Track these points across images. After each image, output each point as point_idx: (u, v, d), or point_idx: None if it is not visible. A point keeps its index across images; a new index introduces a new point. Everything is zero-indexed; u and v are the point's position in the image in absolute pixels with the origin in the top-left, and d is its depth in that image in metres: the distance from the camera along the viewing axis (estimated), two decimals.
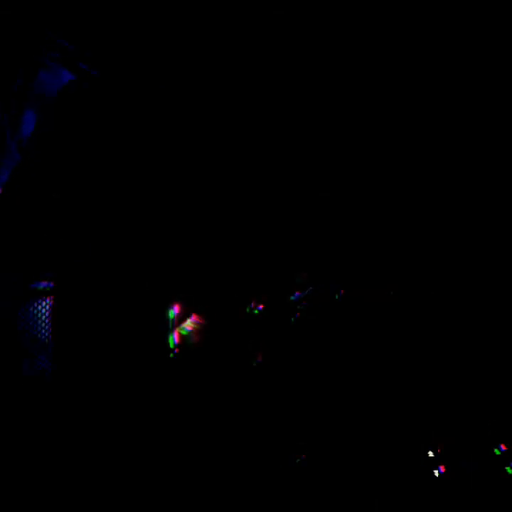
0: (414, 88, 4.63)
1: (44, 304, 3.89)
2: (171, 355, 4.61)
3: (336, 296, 4.83)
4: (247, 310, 4.93)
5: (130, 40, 4.36)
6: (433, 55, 4.42)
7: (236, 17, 4.23)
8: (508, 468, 3.58)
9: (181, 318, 4.70)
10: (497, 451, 3.72)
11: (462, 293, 4.75)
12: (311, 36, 4.33)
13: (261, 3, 4.14)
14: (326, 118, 4.82)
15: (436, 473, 3.67)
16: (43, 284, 3.86)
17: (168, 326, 4.70)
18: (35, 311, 3.83)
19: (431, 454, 3.80)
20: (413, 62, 4.46)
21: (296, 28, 4.26)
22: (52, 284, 3.93)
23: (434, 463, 3.75)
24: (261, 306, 4.85)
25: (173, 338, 4.66)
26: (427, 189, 4.92)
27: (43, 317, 3.86)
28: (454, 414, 4.11)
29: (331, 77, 4.58)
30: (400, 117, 4.82)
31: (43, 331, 3.87)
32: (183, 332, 4.73)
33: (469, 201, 4.84)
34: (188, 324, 4.74)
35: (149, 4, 4.29)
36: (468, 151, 4.77)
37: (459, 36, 4.29)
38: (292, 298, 4.98)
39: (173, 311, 4.64)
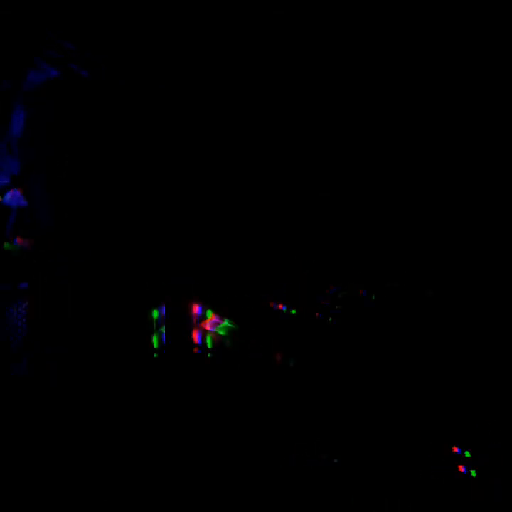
0: (413, 89, 4.61)
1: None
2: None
3: (364, 295, 4.73)
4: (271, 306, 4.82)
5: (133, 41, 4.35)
6: (433, 55, 4.40)
7: (236, 17, 4.23)
8: None
9: (200, 318, 4.59)
10: None
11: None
12: (311, 36, 4.32)
13: (261, 3, 4.14)
14: (330, 119, 4.79)
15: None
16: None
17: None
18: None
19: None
20: (412, 62, 4.45)
21: (296, 27, 4.25)
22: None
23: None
24: (282, 305, 4.74)
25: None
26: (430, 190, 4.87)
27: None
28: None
29: (331, 78, 4.58)
30: (401, 119, 4.80)
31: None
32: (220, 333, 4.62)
33: (472, 199, 4.78)
34: (222, 326, 4.64)
35: (150, 4, 4.30)
36: (469, 152, 4.73)
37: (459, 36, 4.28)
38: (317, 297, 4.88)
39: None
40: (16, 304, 3.84)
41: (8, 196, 3.98)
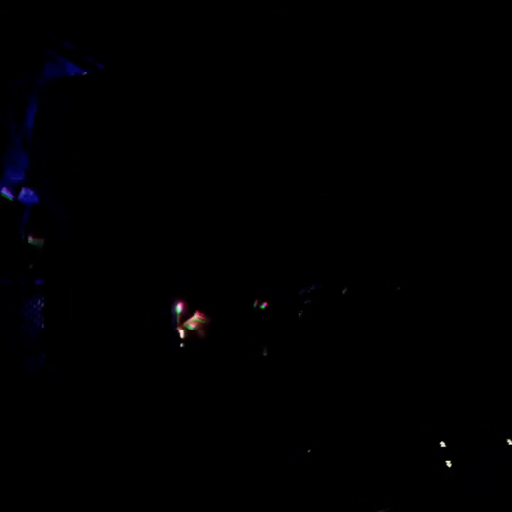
0: (413, 90, 4.50)
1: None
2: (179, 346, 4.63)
3: (342, 292, 4.79)
4: (253, 306, 4.93)
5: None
6: (433, 55, 4.28)
7: (236, 17, 4.09)
8: None
9: (186, 315, 4.70)
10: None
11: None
12: (311, 36, 4.20)
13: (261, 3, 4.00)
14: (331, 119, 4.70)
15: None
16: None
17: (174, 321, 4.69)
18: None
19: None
20: (411, 63, 4.33)
21: (296, 28, 4.12)
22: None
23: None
24: (266, 303, 4.83)
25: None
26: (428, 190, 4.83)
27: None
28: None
29: (331, 79, 4.47)
30: (401, 120, 4.71)
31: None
32: (189, 328, 4.76)
33: (469, 200, 4.75)
34: (194, 320, 4.75)
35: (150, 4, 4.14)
36: (468, 153, 4.67)
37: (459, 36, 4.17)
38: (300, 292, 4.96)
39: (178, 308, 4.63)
40: (32, 300, 3.93)
41: (23, 193, 4.00)
